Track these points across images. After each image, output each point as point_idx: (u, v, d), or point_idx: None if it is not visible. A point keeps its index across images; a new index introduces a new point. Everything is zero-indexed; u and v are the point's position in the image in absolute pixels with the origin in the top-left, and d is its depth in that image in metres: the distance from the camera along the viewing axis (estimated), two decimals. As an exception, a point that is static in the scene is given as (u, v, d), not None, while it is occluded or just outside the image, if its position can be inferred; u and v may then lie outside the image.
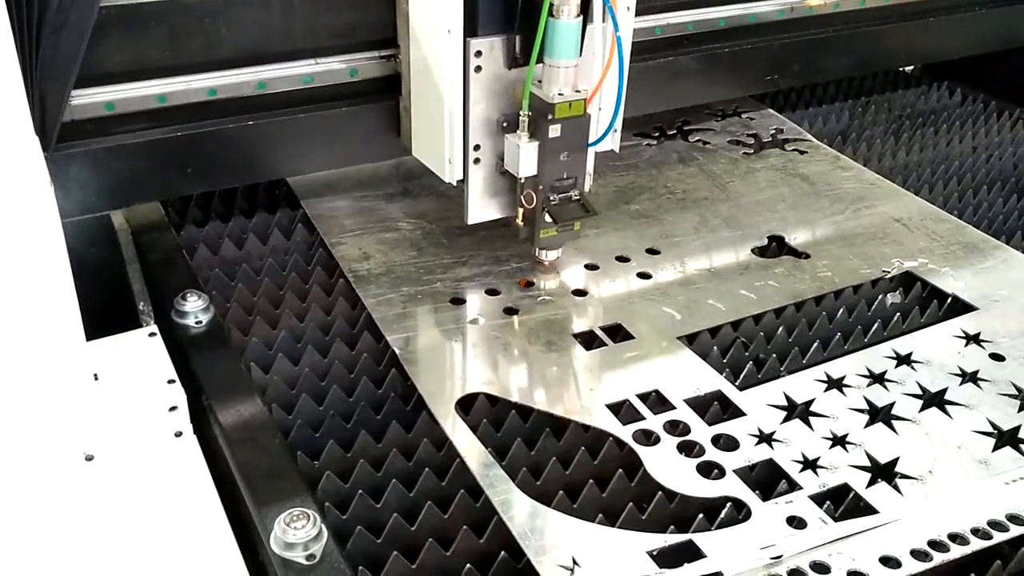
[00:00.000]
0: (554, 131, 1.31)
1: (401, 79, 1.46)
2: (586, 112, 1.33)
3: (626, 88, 1.34)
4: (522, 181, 1.36)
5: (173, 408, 1.11)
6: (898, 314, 1.40)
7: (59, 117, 1.25)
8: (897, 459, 1.14)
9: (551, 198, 1.36)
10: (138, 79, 1.35)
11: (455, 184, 1.40)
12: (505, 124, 1.36)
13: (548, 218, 1.37)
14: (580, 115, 1.32)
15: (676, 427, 1.17)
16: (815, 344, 1.33)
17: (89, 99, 1.32)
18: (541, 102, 1.30)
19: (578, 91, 1.31)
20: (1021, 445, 1.16)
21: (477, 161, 1.39)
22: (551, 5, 1.25)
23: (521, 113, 1.32)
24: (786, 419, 1.19)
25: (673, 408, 1.20)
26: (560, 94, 1.30)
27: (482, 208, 1.43)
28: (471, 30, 1.30)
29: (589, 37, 1.31)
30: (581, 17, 1.27)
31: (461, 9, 1.27)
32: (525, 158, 1.33)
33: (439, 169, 1.41)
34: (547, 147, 1.32)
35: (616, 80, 1.32)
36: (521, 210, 1.39)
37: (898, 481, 1.10)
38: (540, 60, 1.29)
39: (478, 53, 1.31)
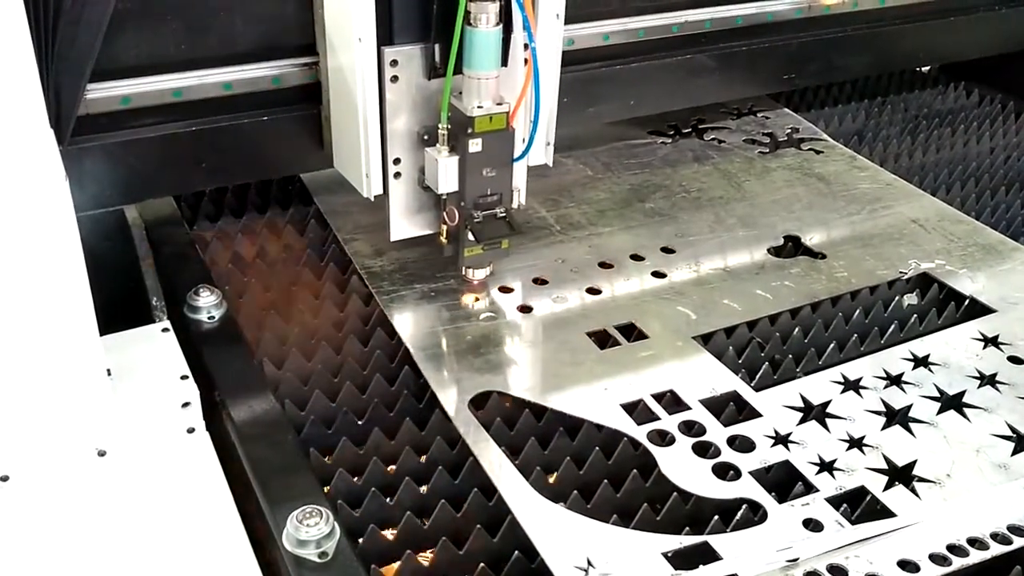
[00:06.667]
0: (474, 145, 1.24)
1: (321, 88, 1.40)
2: (509, 126, 1.26)
3: (547, 100, 1.27)
4: (444, 197, 1.30)
5: (186, 404, 1.11)
6: (915, 316, 1.39)
7: (74, 110, 1.24)
8: (915, 462, 1.13)
9: (475, 215, 1.30)
10: (154, 73, 1.34)
11: (372, 200, 1.34)
12: (426, 137, 1.30)
13: (471, 236, 1.31)
14: (502, 129, 1.25)
15: (691, 428, 1.17)
16: (831, 345, 1.32)
17: (105, 93, 1.32)
18: (460, 115, 1.24)
19: (500, 104, 1.25)
20: (1040, 449, 1.15)
21: (398, 175, 1.33)
22: (467, 13, 1.18)
23: (440, 126, 1.26)
24: (802, 420, 1.19)
25: (688, 408, 1.19)
26: (480, 107, 1.23)
27: (405, 224, 1.37)
28: (386, 38, 1.24)
29: (515, 47, 1.26)
30: (501, 26, 1.21)
31: (373, 16, 1.21)
32: (445, 173, 1.27)
33: (357, 183, 1.34)
34: (468, 162, 1.25)
35: (545, 91, 1.25)
36: (445, 227, 1.34)
37: (916, 484, 1.09)
38: (460, 71, 1.23)
39: (394, 62, 1.25)
